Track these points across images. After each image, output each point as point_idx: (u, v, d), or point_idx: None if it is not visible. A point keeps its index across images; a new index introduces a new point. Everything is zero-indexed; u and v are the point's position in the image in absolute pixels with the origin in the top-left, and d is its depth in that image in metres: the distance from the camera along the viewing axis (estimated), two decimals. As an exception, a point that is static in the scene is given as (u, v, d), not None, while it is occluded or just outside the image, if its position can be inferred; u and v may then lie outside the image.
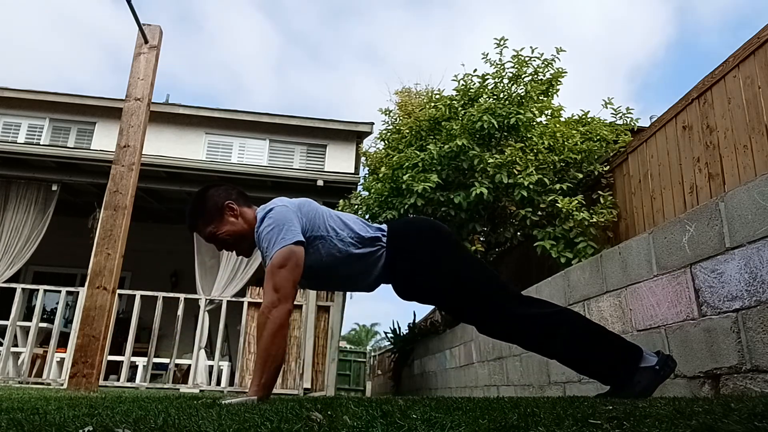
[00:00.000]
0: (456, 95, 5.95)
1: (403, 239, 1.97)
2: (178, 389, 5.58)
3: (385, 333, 9.85)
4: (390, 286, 2.07)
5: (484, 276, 1.95)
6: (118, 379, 5.96)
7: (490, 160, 5.08)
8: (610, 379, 1.84)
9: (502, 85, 5.84)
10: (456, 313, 2.14)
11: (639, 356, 1.77)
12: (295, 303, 6.32)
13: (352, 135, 10.30)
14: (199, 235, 1.99)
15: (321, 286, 2.09)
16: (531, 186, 4.92)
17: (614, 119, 5.87)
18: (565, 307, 1.98)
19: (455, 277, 1.92)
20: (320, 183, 6.81)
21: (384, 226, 2.01)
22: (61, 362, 6.10)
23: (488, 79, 5.86)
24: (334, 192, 6.88)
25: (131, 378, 6.21)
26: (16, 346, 6.13)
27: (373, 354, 17.08)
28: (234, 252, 2.02)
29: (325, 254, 1.88)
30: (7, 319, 5.96)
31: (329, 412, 1.11)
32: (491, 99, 5.65)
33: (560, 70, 5.80)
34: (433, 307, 7.66)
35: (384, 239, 1.95)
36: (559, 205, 4.79)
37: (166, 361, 6.35)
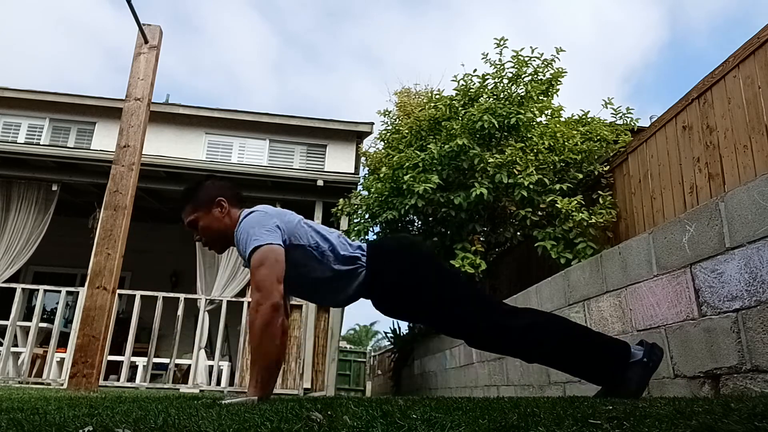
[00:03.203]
0: (456, 95, 5.95)
1: (384, 259, 1.97)
2: (178, 389, 5.58)
3: (385, 333, 9.86)
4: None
5: (468, 291, 1.97)
6: (118, 379, 5.96)
7: (491, 160, 5.08)
8: (602, 380, 1.86)
9: (502, 85, 5.84)
10: (443, 329, 2.14)
11: (628, 353, 1.80)
12: (296, 303, 6.35)
13: (352, 135, 10.30)
14: (183, 218, 2.01)
15: (293, 294, 2.08)
16: (531, 186, 4.91)
17: (614, 119, 5.87)
18: (551, 314, 2.00)
19: (439, 293, 1.92)
20: (320, 183, 6.80)
21: (363, 245, 2.01)
22: (61, 362, 6.10)
23: (488, 79, 5.86)
24: (334, 192, 6.88)
25: (131, 378, 6.21)
26: (16, 346, 6.12)
27: (373, 354, 17.06)
28: (207, 246, 2.05)
29: (303, 265, 1.88)
30: (7, 319, 5.95)
31: (329, 412, 1.11)
32: (491, 99, 5.65)
33: (560, 69, 5.80)
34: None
35: (363, 259, 1.95)
36: (559, 206, 4.79)
37: (166, 361, 6.34)
